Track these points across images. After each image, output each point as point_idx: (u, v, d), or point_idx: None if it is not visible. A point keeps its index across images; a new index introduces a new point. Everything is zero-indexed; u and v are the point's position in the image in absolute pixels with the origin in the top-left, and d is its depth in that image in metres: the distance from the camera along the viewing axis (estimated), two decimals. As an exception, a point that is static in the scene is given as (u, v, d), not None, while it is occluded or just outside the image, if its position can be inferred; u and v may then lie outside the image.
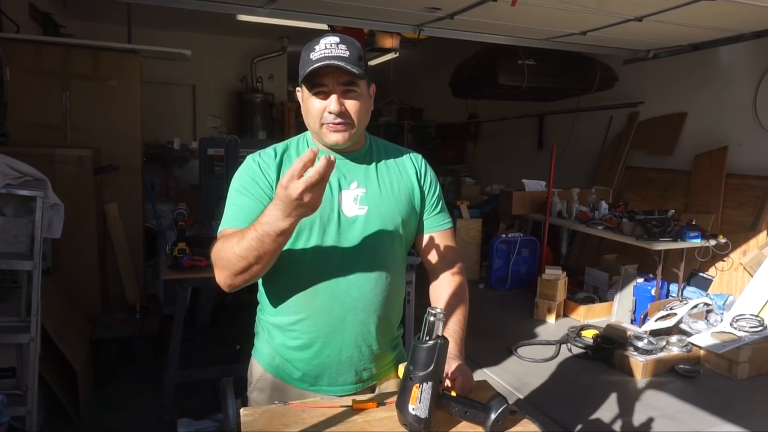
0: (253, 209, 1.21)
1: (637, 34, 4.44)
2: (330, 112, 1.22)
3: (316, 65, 1.17)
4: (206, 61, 6.52)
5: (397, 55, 6.13)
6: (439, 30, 4.58)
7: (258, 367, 1.38)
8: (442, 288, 1.37)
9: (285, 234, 1.06)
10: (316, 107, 1.23)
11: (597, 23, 4.18)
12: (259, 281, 1.37)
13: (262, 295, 1.37)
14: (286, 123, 7.31)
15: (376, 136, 1.44)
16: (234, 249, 1.10)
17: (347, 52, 1.19)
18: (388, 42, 5.39)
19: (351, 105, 1.23)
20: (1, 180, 2.25)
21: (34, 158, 2.61)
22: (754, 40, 4.41)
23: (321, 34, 1.24)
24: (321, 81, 1.21)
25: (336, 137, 1.24)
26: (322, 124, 1.24)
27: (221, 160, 2.97)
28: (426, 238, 1.41)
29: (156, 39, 4.72)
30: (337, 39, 1.21)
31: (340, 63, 1.17)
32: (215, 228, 1.37)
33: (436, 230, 1.41)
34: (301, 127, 1.39)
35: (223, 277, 1.17)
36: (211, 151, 3.05)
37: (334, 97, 1.21)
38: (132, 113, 3.87)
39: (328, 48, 1.19)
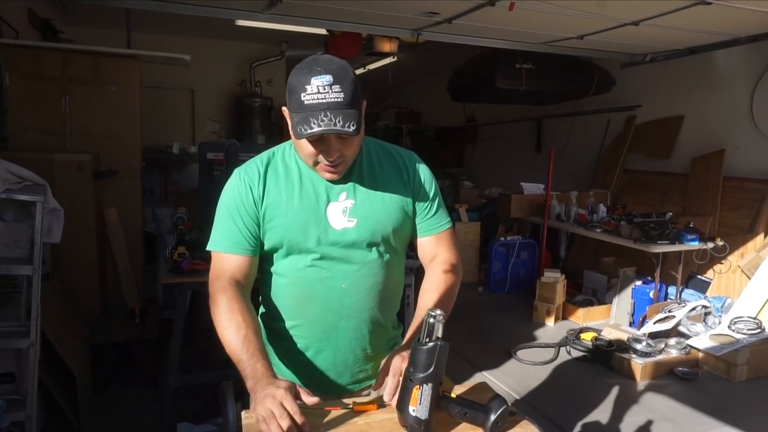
0: (239, 234, 1.26)
1: (634, 38, 4.47)
2: (327, 160, 1.19)
3: (312, 131, 1.08)
4: (205, 66, 6.53)
5: (396, 59, 6.17)
6: (438, 34, 4.60)
7: None
8: (429, 290, 1.33)
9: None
10: (309, 150, 1.18)
11: (594, 27, 4.21)
12: (260, 286, 1.37)
13: (262, 300, 1.38)
14: (285, 127, 7.31)
15: (370, 137, 1.38)
16: (224, 330, 1.19)
17: (341, 94, 1.09)
18: (387, 46, 5.43)
19: (347, 148, 1.18)
20: (1, 185, 2.25)
21: (33, 163, 2.61)
22: (749, 44, 4.44)
23: (312, 64, 1.12)
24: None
25: (332, 176, 1.24)
26: (317, 163, 1.22)
27: (221, 164, 2.98)
28: (422, 241, 1.38)
29: (155, 44, 4.75)
30: (329, 79, 1.09)
31: (337, 127, 1.08)
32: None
33: (432, 233, 1.37)
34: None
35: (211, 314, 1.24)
36: (210, 155, 3.04)
37: (330, 148, 1.16)
38: (131, 118, 3.88)
39: (321, 92, 1.08)
